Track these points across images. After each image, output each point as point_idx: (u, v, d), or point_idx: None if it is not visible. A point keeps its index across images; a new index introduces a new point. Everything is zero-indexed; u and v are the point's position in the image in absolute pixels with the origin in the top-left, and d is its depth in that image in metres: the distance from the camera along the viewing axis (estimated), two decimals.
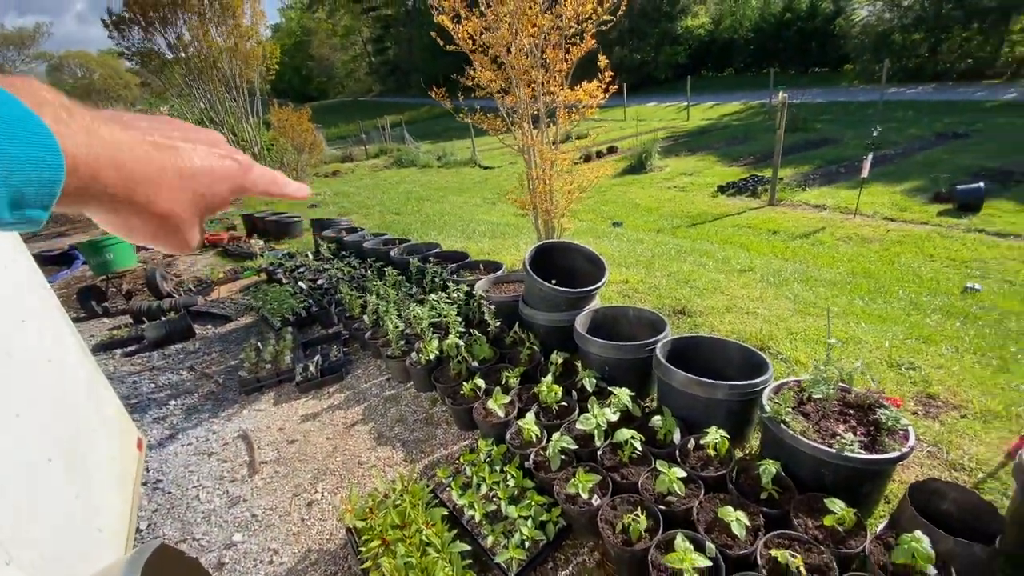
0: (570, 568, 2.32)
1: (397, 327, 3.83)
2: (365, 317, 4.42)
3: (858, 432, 2.32)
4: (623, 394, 2.73)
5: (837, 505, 2.02)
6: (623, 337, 3.43)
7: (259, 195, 0.52)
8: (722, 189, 11.20)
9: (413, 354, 3.74)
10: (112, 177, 0.37)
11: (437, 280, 4.51)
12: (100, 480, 2.55)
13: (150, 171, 0.39)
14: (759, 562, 1.94)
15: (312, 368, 4.10)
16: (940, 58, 19.18)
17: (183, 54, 12.34)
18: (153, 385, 4.54)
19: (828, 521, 2.02)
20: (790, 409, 2.43)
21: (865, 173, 8.39)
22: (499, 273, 4.51)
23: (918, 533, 1.84)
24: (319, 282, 5.51)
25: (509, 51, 4.79)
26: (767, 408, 2.41)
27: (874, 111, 15.66)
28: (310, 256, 6.39)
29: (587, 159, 14.30)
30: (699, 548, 1.98)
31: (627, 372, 3.11)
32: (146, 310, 5.89)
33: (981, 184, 8.45)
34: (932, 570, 1.82)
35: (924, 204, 9.17)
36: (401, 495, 2.57)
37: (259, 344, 4.57)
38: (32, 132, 0.32)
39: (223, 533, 2.82)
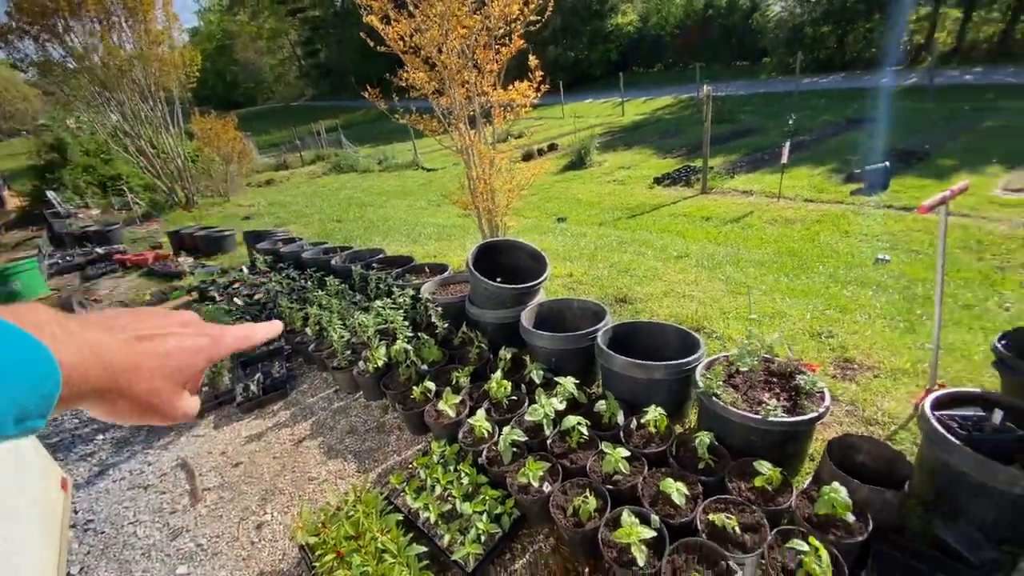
0: (527, 556, 2.39)
1: (342, 337, 3.77)
2: (307, 329, 4.31)
3: (781, 398, 2.53)
4: (568, 383, 2.83)
5: (765, 467, 2.20)
6: (568, 329, 3.54)
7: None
8: (658, 180, 11.68)
9: (360, 363, 3.69)
10: (99, 375, 0.42)
11: (382, 286, 4.46)
12: (20, 529, 2.36)
13: (130, 361, 0.45)
14: (699, 527, 2.08)
15: (253, 387, 3.96)
16: (847, 48, 20.81)
17: (87, 63, 11.42)
18: (76, 420, 4.23)
19: (758, 482, 2.19)
20: (721, 383, 2.61)
21: (784, 159, 9.00)
22: (445, 275, 4.52)
23: (836, 484, 2.04)
24: (256, 297, 5.31)
25: (440, 52, 4.81)
26: (700, 383, 2.58)
27: (791, 101, 16.79)
28: (245, 271, 6.13)
29: (528, 157, 14.48)
30: (645, 521, 2.10)
31: (573, 362, 3.22)
32: None
33: (887, 163, 9.25)
34: (851, 517, 2.02)
35: (839, 185, 9.95)
36: (354, 506, 2.55)
37: None
38: (33, 355, 0.37)
39: (165, 567, 2.69)
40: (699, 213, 9.49)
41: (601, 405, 2.72)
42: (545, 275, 3.63)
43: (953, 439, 2.04)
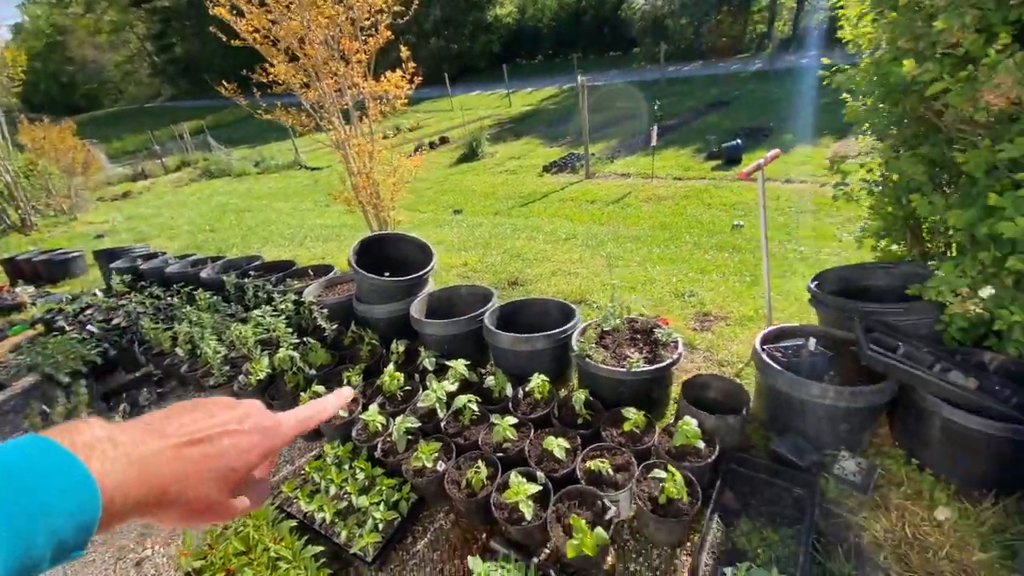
0: (428, 536, 2.46)
1: (217, 352, 3.53)
2: (178, 349, 3.96)
3: (643, 352, 2.84)
4: (458, 365, 2.93)
5: (631, 412, 2.47)
6: (459, 315, 3.63)
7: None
8: (547, 168, 12.16)
9: (241, 377, 3.49)
10: (146, 493, 0.40)
11: (260, 294, 4.22)
12: None
13: (179, 471, 0.42)
14: (579, 476, 2.29)
15: (119, 419, 3.57)
16: (703, 39, 23.03)
17: None
18: None
19: (627, 427, 2.46)
20: (593, 344, 2.87)
21: (653, 142, 9.81)
22: (331, 275, 4.39)
23: (688, 418, 2.35)
24: (114, 322, 4.75)
25: (303, 43, 4.61)
26: (575, 347, 2.81)
27: (659, 88, 18.27)
28: (99, 294, 5.44)
29: (419, 150, 14.33)
30: (532, 479, 2.27)
31: (465, 346, 3.32)
32: None
33: (739, 140, 10.44)
34: (702, 444, 2.35)
35: (702, 162, 11.06)
36: (244, 522, 2.44)
37: (45, 407, 3.82)
38: (78, 484, 0.36)
39: None
40: (584, 197, 10.06)
41: (490, 380, 2.86)
42: (431, 265, 3.69)
43: (775, 365, 2.45)
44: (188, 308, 4.15)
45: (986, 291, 2.14)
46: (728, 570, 1.85)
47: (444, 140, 15.25)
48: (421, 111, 21.86)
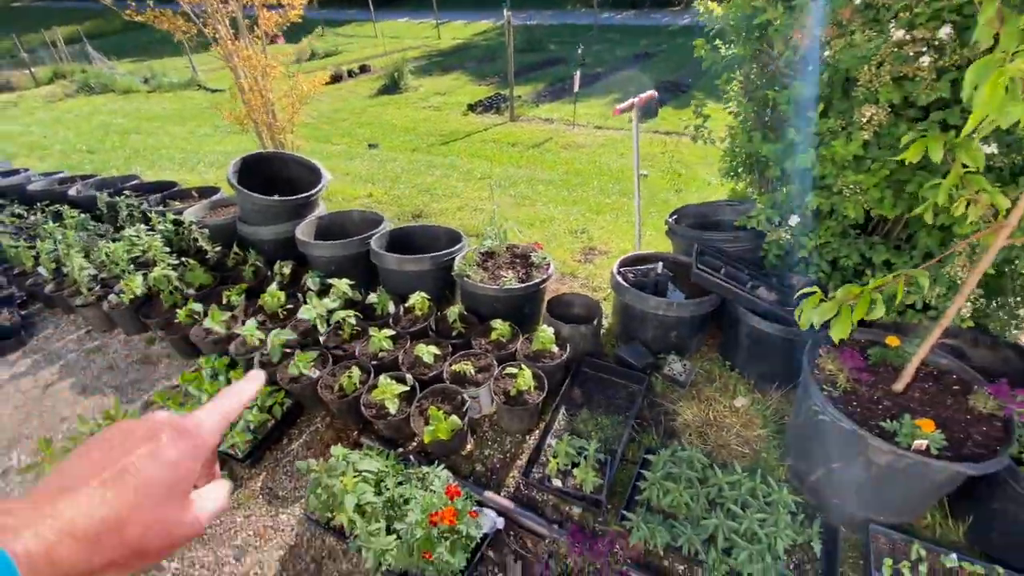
0: (304, 437, 2.63)
1: (83, 269, 3.35)
2: (41, 268, 3.69)
3: (520, 273, 3.09)
4: (341, 284, 3.02)
5: (498, 323, 2.72)
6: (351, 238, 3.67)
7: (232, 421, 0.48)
8: (472, 108, 11.92)
9: (112, 296, 3.35)
10: (77, 549, 0.36)
11: (135, 214, 3.98)
12: None
13: (110, 515, 0.38)
14: (445, 377, 2.53)
15: None
16: None
17: None
18: None
19: (493, 336, 2.72)
20: (474, 266, 3.07)
21: (576, 88, 9.89)
22: (216, 197, 4.21)
23: (545, 326, 2.64)
24: None
25: None
26: (456, 268, 2.99)
27: (592, 34, 18.12)
28: None
29: (338, 79, 13.45)
30: (401, 381, 2.48)
31: (353, 268, 3.39)
32: None
33: (656, 94, 10.75)
34: (555, 348, 2.66)
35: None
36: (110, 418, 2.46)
37: None
38: None
39: None
40: (506, 139, 10.05)
41: (372, 298, 2.99)
42: (320, 186, 3.66)
43: (624, 283, 2.77)
44: (53, 225, 3.83)
45: (793, 219, 2.55)
46: (552, 441, 2.18)
47: (365, 69, 14.37)
48: (341, 35, 20.26)
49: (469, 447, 2.49)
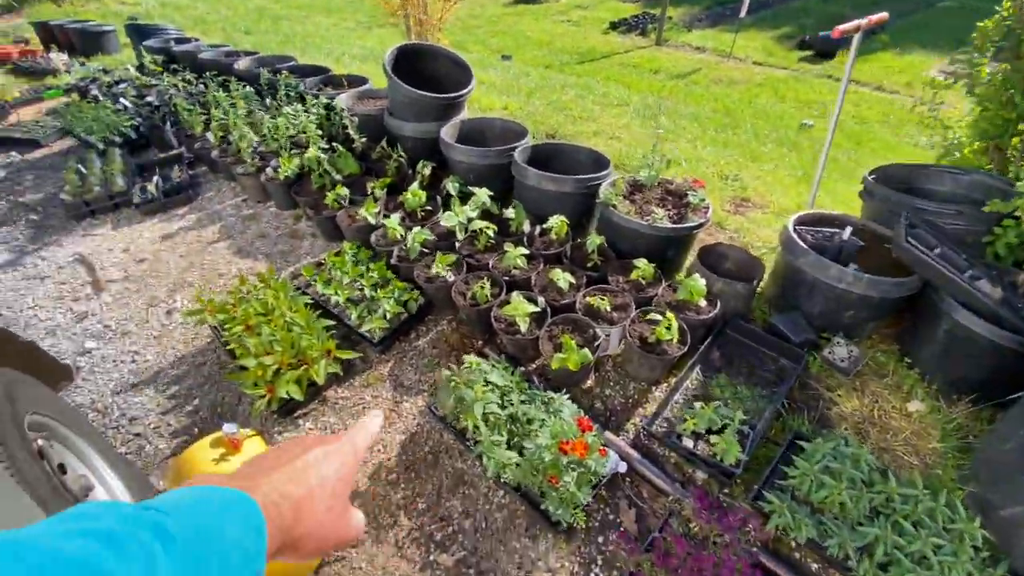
0: (431, 335, 2.68)
1: (250, 141, 3.55)
2: (210, 135, 4.00)
3: (671, 212, 2.79)
4: (482, 193, 2.93)
5: (641, 263, 2.50)
6: (491, 147, 3.54)
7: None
8: (614, 26, 10.92)
9: (269, 170, 3.55)
10: (285, 507, 0.43)
11: (292, 93, 4.12)
12: None
13: (299, 491, 0.45)
14: (577, 308, 2.40)
15: (152, 189, 3.75)
16: None
17: None
18: None
19: (634, 275, 2.52)
20: (621, 197, 2.82)
21: (743, 13, 8.62)
22: (365, 87, 4.22)
23: (696, 276, 2.38)
24: (147, 99, 4.74)
25: None
26: (601, 195, 2.77)
27: None
28: (132, 70, 5.36)
29: None
30: (532, 301, 2.39)
31: (491, 178, 3.28)
32: None
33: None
34: (703, 302, 2.41)
35: (789, 50, 9.80)
36: (263, 290, 2.67)
37: (81, 167, 4.00)
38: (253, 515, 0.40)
39: (73, 343, 2.77)
40: (649, 65, 9.16)
41: (509, 212, 2.88)
42: (471, 86, 3.50)
43: (801, 243, 2.40)
44: (222, 95, 4.09)
45: None
46: (698, 404, 2.00)
47: None
48: None
49: (590, 382, 2.40)
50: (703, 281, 2.38)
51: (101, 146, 4.29)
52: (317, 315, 2.54)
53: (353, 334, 2.63)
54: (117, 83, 5.25)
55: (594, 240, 2.60)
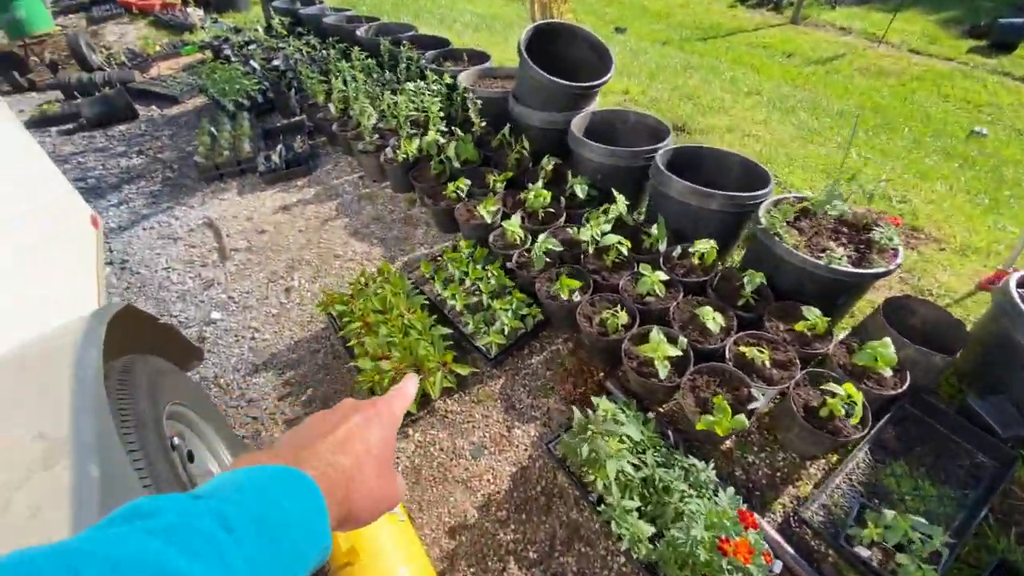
0: (545, 354, 2.44)
1: (368, 115, 3.40)
2: (331, 105, 3.90)
3: (848, 248, 2.31)
4: (620, 202, 2.58)
5: (813, 313, 2.08)
6: (619, 144, 3.15)
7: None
8: None
9: (388, 150, 3.39)
10: (336, 477, 0.41)
11: (413, 68, 3.90)
12: (50, 256, 2.35)
13: (346, 461, 0.42)
14: (727, 355, 2.05)
15: (276, 158, 3.73)
16: None
17: None
18: (102, 168, 4.11)
19: (799, 326, 2.10)
20: (785, 223, 2.36)
21: None
22: (486, 65, 3.92)
23: (887, 340, 1.93)
24: (274, 62, 4.73)
25: None
26: (762, 220, 2.33)
27: None
28: (260, 31, 5.40)
29: None
30: (671, 341, 2.06)
31: (621, 181, 2.91)
32: (77, 84, 5.08)
33: None
34: (888, 372, 1.96)
35: (956, 38, 8.27)
36: (382, 284, 2.54)
37: (213, 129, 4.07)
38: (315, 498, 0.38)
39: (200, 311, 2.81)
40: (782, 47, 8.09)
41: (653, 229, 2.52)
42: (609, 75, 3.10)
43: None
44: (343, 64, 3.96)
45: None
46: (889, 513, 1.61)
47: None
48: None
49: (728, 443, 2.06)
50: (892, 347, 1.93)
51: (231, 108, 4.35)
52: (433, 319, 2.37)
53: (466, 341, 2.44)
54: (247, 44, 5.31)
55: (754, 278, 2.19)
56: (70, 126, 4.64)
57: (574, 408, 1.86)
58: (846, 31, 8.48)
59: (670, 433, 1.96)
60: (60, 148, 4.36)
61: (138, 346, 1.81)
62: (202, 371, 2.49)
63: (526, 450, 2.10)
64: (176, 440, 1.66)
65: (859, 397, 1.77)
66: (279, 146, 3.84)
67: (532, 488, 1.99)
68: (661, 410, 2.17)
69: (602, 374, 2.30)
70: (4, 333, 1.68)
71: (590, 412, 1.84)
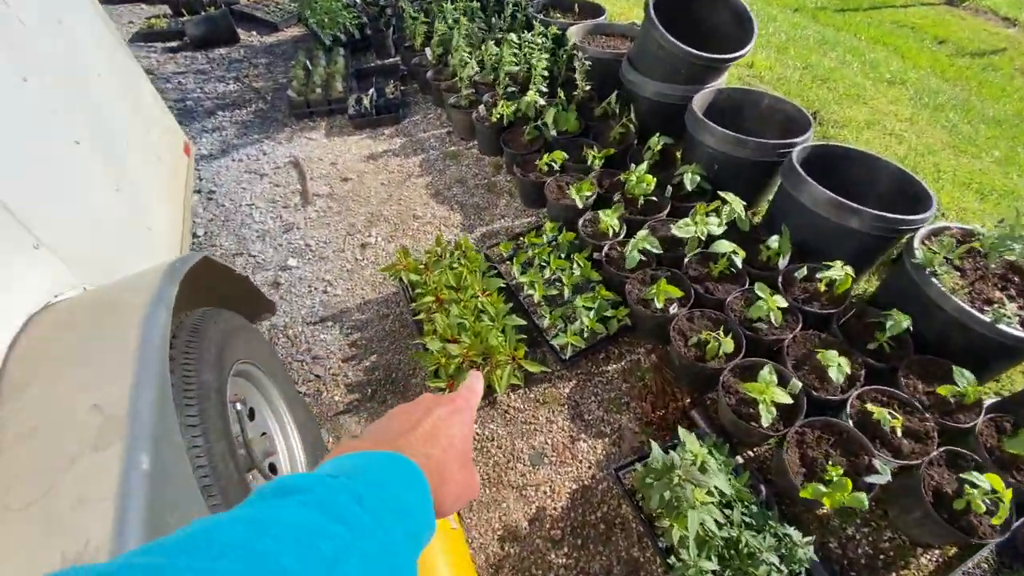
0: (623, 363, 2.18)
1: (470, 69, 3.09)
2: (428, 51, 3.61)
3: (1018, 302, 1.83)
4: (736, 203, 2.19)
5: (965, 378, 1.67)
6: (745, 130, 2.68)
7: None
8: None
9: (481, 107, 3.10)
10: (431, 467, 0.41)
11: (520, 15, 3.51)
12: (145, 179, 2.32)
13: (435, 452, 0.43)
14: (848, 411, 1.70)
15: (366, 102, 3.54)
16: None
17: None
18: (200, 92, 4.11)
19: (943, 390, 1.70)
20: (943, 260, 1.90)
21: None
22: (599, 20, 3.46)
23: None
24: None
25: None
26: (918, 253, 1.88)
27: None
28: None
29: None
30: (782, 383, 1.74)
31: (740, 176, 2.49)
32: (185, 1, 5.06)
33: None
34: None
35: None
36: (458, 259, 2.34)
37: (308, 63, 3.92)
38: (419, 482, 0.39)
39: (278, 255, 2.75)
40: (933, 30, 6.83)
41: (773, 241, 2.13)
42: (749, 47, 2.60)
43: None
44: (446, 5, 3.63)
45: None
46: None
47: None
48: None
49: (825, 508, 1.75)
50: None
51: (328, 42, 4.17)
52: (508, 307, 2.15)
53: (539, 334, 2.22)
54: None
55: (899, 321, 1.79)
56: (174, 44, 4.65)
57: (654, 444, 1.61)
58: (1010, 22, 7.01)
59: (762, 487, 1.68)
60: (163, 66, 4.39)
61: (211, 297, 1.72)
62: (273, 319, 2.43)
63: (590, 468, 1.90)
64: (239, 406, 1.58)
65: (1008, 496, 1.40)
66: (371, 89, 3.64)
67: (592, 512, 1.80)
68: (751, 452, 1.88)
69: (689, 400, 2.01)
70: (92, 255, 1.63)
71: (672, 451, 1.58)
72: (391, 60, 3.96)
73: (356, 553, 0.29)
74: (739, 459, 1.80)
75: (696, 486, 1.50)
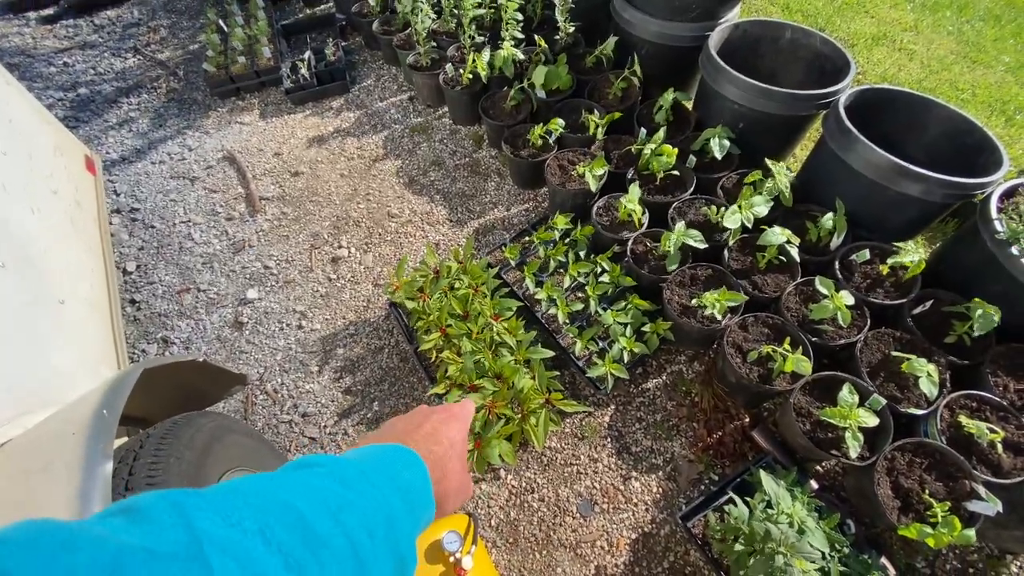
0: (664, 376, 1.88)
1: (422, 16, 2.43)
2: None
3: None
4: (781, 174, 1.80)
5: None
6: (764, 73, 2.22)
7: None
8: None
9: (448, 66, 2.48)
10: (434, 461, 0.45)
11: None
12: (38, 235, 1.70)
13: (438, 450, 0.47)
14: (938, 425, 1.46)
15: (304, 70, 2.83)
16: None
17: None
18: (93, 73, 3.23)
19: None
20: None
21: None
22: None
23: None
24: None
25: None
26: (998, 225, 1.57)
27: None
28: None
29: None
30: (864, 400, 1.47)
31: (769, 133, 2.07)
32: None
33: None
34: None
35: None
36: (459, 276, 1.90)
37: (222, 22, 3.09)
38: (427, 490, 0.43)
39: (233, 285, 2.23)
40: None
41: (827, 221, 1.77)
42: None
43: None
44: None
45: None
46: None
47: None
48: None
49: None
50: None
51: None
52: (532, 335, 1.76)
53: (563, 354, 1.87)
54: None
55: (988, 314, 1.50)
56: (50, 11, 3.63)
57: (736, 499, 1.34)
58: None
59: (850, 523, 1.46)
60: (41, 42, 3.43)
61: (171, 396, 1.33)
62: (245, 367, 1.99)
63: (647, 510, 1.64)
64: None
65: None
66: (307, 52, 2.90)
67: (657, 563, 1.56)
68: (819, 468, 1.66)
69: (748, 419, 1.74)
70: None
71: (749, 498, 1.31)
72: (323, 8, 3.16)
73: (357, 509, 0.34)
74: (813, 483, 1.56)
75: (800, 558, 1.25)
